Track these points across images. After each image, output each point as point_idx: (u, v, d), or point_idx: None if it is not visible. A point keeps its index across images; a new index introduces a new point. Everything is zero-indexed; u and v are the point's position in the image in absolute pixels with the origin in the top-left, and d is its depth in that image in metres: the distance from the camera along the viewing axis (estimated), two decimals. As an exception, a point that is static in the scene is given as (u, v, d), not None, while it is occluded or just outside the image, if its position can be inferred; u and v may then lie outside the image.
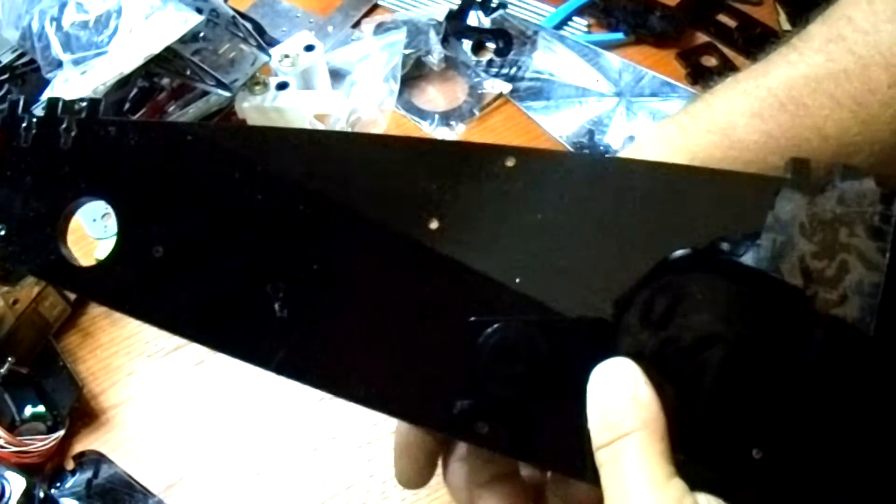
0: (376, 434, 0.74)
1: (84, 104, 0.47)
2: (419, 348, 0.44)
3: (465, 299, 0.44)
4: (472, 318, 0.42)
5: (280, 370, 0.44)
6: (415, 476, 0.48)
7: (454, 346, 0.43)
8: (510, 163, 0.44)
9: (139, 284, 0.46)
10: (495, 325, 0.42)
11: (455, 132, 0.96)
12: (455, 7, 1.06)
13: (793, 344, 0.42)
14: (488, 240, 0.44)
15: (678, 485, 0.35)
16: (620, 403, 0.37)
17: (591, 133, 0.94)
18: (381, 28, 1.04)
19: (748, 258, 0.43)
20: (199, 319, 0.46)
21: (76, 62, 0.78)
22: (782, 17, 1.08)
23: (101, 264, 0.45)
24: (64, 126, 0.46)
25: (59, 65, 0.79)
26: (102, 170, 0.47)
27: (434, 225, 0.44)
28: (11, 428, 0.70)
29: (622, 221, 0.44)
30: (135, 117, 0.90)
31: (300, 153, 0.46)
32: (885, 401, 0.42)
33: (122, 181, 0.46)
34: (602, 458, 0.37)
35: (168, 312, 0.46)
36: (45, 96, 0.80)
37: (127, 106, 0.91)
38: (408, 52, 1.00)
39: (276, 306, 0.44)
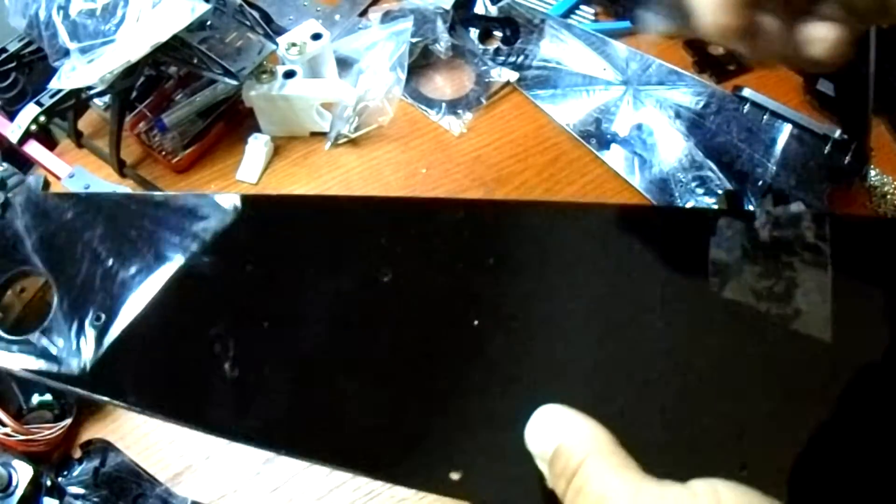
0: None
1: (22, 180, 0.47)
2: (376, 400, 0.44)
3: (420, 346, 0.44)
4: None
5: (237, 437, 0.44)
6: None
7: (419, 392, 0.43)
8: (459, 215, 0.45)
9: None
10: None
11: (462, 120, 0.96)
12: (462, -5, 1.06)
13: None
14: (440, 287, 0.45)
15: (653, 479, 0.35)
16: (559, 446, 0.37)
17: (598, 121, 0.94)
18: (388, 16, 1.04)
19: None
20: (148, 388, 0.45)
21: (83, 51, 0.78)
22: (790, 6, 1.07)
23: (37, 336, 0.45)
24: (2, 201, 0.46)
25: (66, 53, 0.78)
26: (40, 242, 0.46)
27: (387, 278, 0.44)
28: (18, 416, 0.70)
29: (569, 265, 0.45)
30: (142, 105, 0.90)
31: (246, 215, 0.47)
32: (852, 404, 0.43)
33: (59, 251, 0.46)
34: (573, 501, 0.36)
35: (113, 384, 0.45)
36: (52, 84, 0.80)
37: (134, 94, 0.91)
38: (415, 40, 0.99)
39: (227, 367, 0.44)
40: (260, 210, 0.47)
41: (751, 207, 0.76)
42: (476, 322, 0.44)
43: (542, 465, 0.38)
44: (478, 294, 0.45)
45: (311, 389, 0.44)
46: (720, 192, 0.79)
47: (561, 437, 0.37)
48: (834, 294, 0.44)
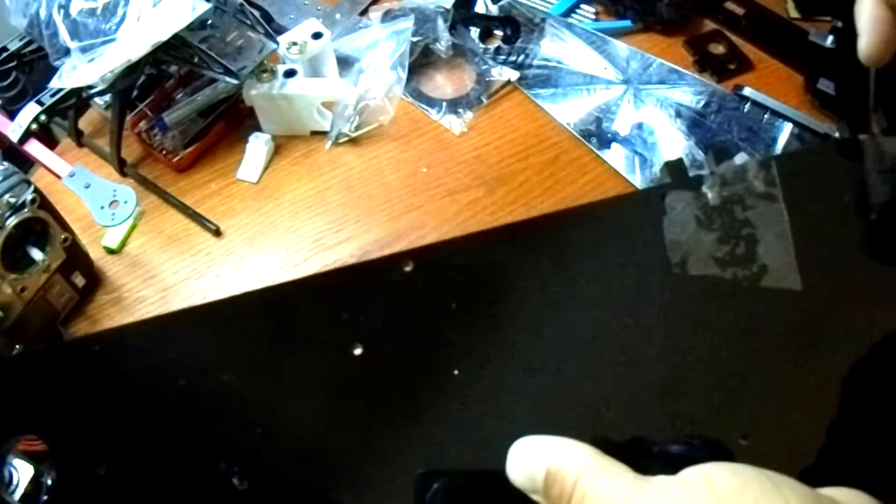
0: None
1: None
2: (384, 473, 0.44)
3: (409, 410, 0.44)
4: (421, 472, 0.42)
5: None
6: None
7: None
8: (408, 268, 0.45)
9: None
10: (441, 479, 0.42)
11: (462, 119, 0.96)
12: (462, -6, 1.06)
13: None
14: (413, 346, 0.45)
15: (647, 478, 0.36)
16: (548, 471, 0.38)
17: (598, 120, 0.94)
18: (388, 16, 1.04)
19: None
20: None
21: (84, 50, 0.78)
22: (790, 5, 1.07)
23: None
24: None
25: (67, 52, 0.78)
26: (23, 404, 0.46)
27: (358, 351, 0.44)
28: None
29: (528, 287, 0.45)
30: (143, 104, 0.90)
31: (206, 327, 0.46)
32: (839, 349, 0.44)
33: (45, 410, 0.46)
34: None
35: None
36: (52, 83, 0.80)
37: (135, 94, 0.91)
38: (415, 39, 0.99)
39: (235, 482, 0.44)
40: (217, 316, 0.47)
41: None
42: (456, 371, 0.44)
43: (537, 497, 0.39)
44: (450, 342, 0.44)
45: (319, 480, 0.44)
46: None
47: (547, 461, 0.38)
48: (794, 239, 0.44)
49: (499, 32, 1.05)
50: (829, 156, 0.47)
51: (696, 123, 0.93)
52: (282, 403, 0.45)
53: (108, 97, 0.91)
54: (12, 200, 0.69)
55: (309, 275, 0.46)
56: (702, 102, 0.95)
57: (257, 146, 0.92)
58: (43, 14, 0.79)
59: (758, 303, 0.44)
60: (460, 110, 0.97)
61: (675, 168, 0.46)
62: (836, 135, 0.86)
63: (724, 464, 0.36)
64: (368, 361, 0.44)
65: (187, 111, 0.93)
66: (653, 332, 0.44)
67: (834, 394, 0.42)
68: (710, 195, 0.45)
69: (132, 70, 0.81)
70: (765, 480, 0.34)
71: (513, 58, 1.02)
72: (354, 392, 0.45)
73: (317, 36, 0.93)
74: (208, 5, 0.80)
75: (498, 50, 1.03)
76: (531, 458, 0.38)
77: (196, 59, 0.84)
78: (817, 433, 0.42)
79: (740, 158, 0.46)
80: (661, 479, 0.36)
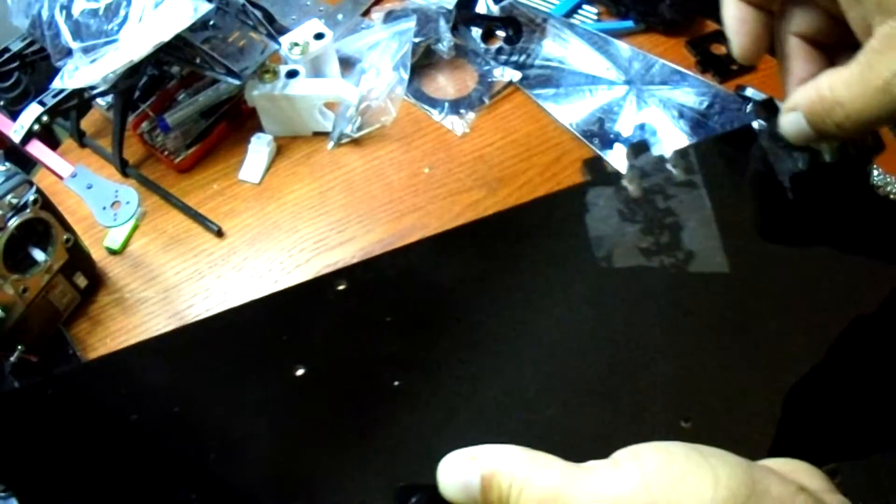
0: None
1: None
2: (335, 487, 0.44)
3: (354, 424, 0.44)
4: (400, 485, 0.42)
5: None
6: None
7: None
8: (342, 286, 0.46)
9: None
10: (419, 494, 0.42)
11: (465, 120, 0.96)
12: (464, -5, 1.06)
13: None
14: (353, 361, 0.46)
15: (578, 465, 0.36)
16: (483, 477, 0.38)
17: (601, 121, 0.94)
18: (390, 16, 1.04)
19: None
20: None
21: (86, 50, 0.78)
22: (793, 5, 1.07)
23: None
24: None
25: (69, 53, 0.78)
26: None
27: (300, 371, 0.45)
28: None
29: (458, 291, 0.46)
30: (145, 105, 0.91)
31: (151, 361, 0.47)
32: (771, 326, 0.44)
33: (3, 455, 0.46)
34: None
35: None
36: (54, 84, 0.80)
37: (137, 94, 0.91)
38: (417, 40, 0.99)
39: None
40: (161, 350, 0.48)
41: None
42: (396, 383, 0.44)
43: None
44: (388, 354, 0.45)
45: (275, 498, 0.45)
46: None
47: (479, 469, 0.38)
48: (718, 223, 0.45)
49: (501, 33, 1.05)
50: (746, 139, 0.48)
51: (698, 124, 0.93)
52: (232, 428, 0.45)
53: (110, 98, 0.91)
54: (14, 201, 0.69)
55: (247, 301, 0.47)
56: (704, 103, 0.95)
57: (259, 147, 0.92)
58: (45, 15, 0.79)
59: (688, 288, 0.45)
60: (462, 111, 0.97)
61: (593, 165, 0.47)
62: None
63: (652, 442, 0.36)
64: (311, 381, 0.45)
65: (189, 112, 0.93)
66: (587, 326, 0.45)
67: (770, 370, 0.43)
68: (630, 188, 0.45)
69: (134, 71, 0.81)
70: (692, 453, 0.35)
71: (515, 58, 1.02)
72: (300, 411, 0.45)
73: (319, 36, 0.93)
74: (210, 6, 0.80)
75: (500, 50, 1.03)
76: (462, 470, 0.38)
77: (198, 60, 0.85)
78: (757, 411, 0.43)
79: (657, 150, 0.46)
80: (592, 464, 0.36)
